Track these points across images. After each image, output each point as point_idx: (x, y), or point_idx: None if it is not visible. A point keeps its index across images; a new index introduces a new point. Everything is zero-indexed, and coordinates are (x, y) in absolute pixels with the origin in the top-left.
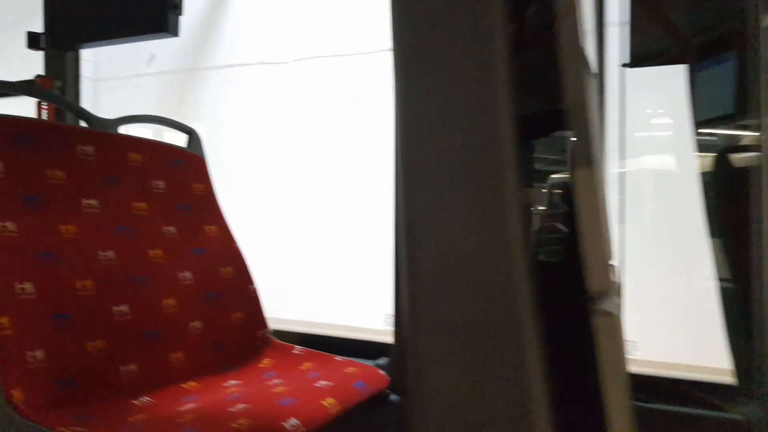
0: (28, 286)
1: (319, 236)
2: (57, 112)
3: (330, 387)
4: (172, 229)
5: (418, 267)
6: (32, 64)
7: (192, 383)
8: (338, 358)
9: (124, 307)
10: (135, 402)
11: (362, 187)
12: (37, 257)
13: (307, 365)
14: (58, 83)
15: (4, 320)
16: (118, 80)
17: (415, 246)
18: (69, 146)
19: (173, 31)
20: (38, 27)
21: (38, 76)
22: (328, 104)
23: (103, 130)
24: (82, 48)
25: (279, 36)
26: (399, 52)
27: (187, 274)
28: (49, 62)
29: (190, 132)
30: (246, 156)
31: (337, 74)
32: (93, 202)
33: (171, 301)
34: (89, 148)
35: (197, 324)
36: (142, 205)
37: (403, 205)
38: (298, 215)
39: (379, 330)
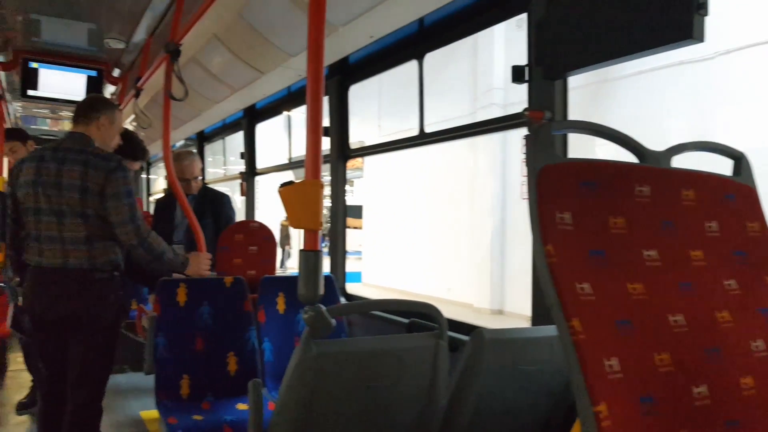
0: (614, 363)
1: None
2: None
3: None
4: (732, 282)
5: None
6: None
7: None
8: None
9: (702, 389)
10: None
11: None
12: (617, 326)
13: None
14: (547, 114)
15: (602, 408)
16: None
17: None
18: (628, 188)
19: (698, 37)
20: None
21: (526, 109)
22: None
23: (656, 165)
24: (574, 74)
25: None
26: None
27: (760, 344)
28: (534, 94)
29: (738, 157)
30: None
31: None
32: (652, 253)
33: (748, 381)
34: (646, 189)
35: None
36: (698, 253)
37: None
38: None
39: None
